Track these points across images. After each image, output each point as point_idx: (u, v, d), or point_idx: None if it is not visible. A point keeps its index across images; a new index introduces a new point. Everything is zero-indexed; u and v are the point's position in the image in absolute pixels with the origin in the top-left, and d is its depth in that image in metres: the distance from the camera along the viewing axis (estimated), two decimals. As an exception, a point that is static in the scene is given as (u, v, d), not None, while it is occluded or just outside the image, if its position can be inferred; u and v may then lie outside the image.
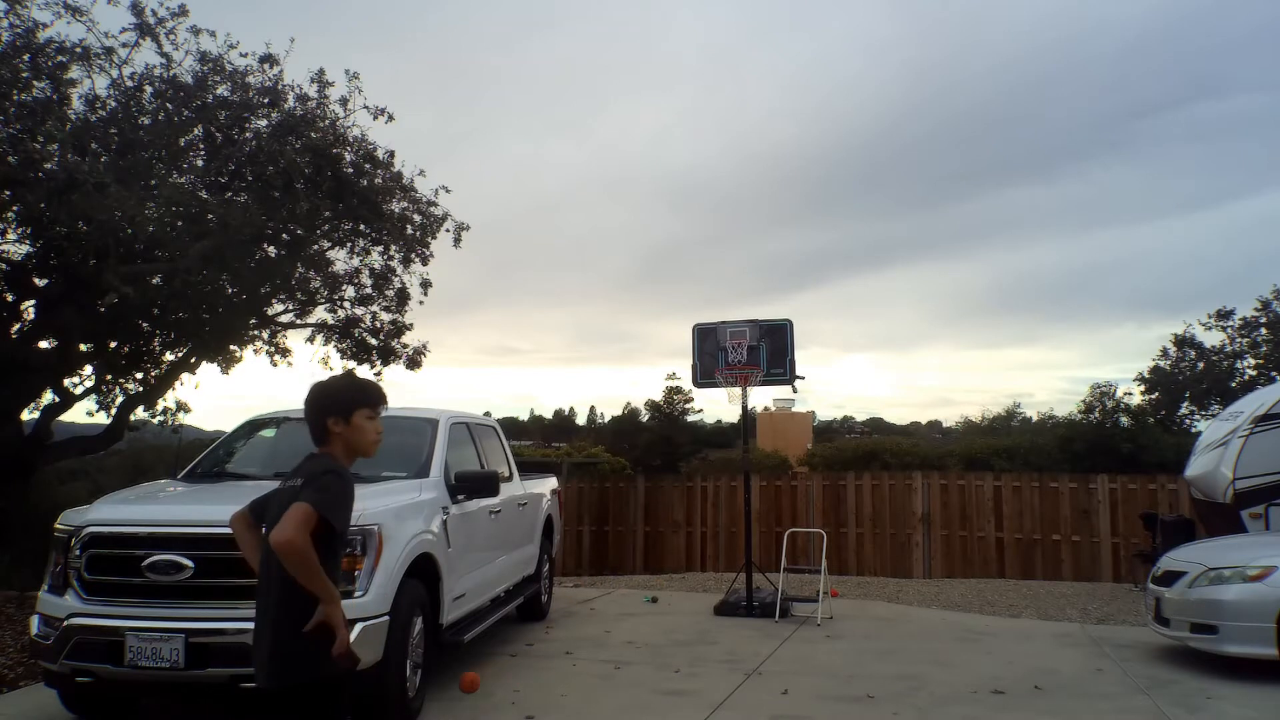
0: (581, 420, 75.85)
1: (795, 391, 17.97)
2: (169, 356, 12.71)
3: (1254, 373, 22.24)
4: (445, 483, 6.50)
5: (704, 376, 10.43)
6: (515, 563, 8.12)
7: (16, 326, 11.05)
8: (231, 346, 12.61)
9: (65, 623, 5.03)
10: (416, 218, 12.13)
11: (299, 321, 13.05)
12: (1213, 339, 23.42)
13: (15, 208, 9.57)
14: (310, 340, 12.89)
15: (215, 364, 12.65)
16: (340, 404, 3.00)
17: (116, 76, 10.08)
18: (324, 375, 13.18)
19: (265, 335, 12.97)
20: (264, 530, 2.95)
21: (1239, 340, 22.95)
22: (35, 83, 9.22)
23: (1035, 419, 36.22)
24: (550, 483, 9.88)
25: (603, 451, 31.01)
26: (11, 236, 10.49)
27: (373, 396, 3.08)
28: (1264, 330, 22.41)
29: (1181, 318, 61.95)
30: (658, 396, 45.99)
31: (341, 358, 12.93)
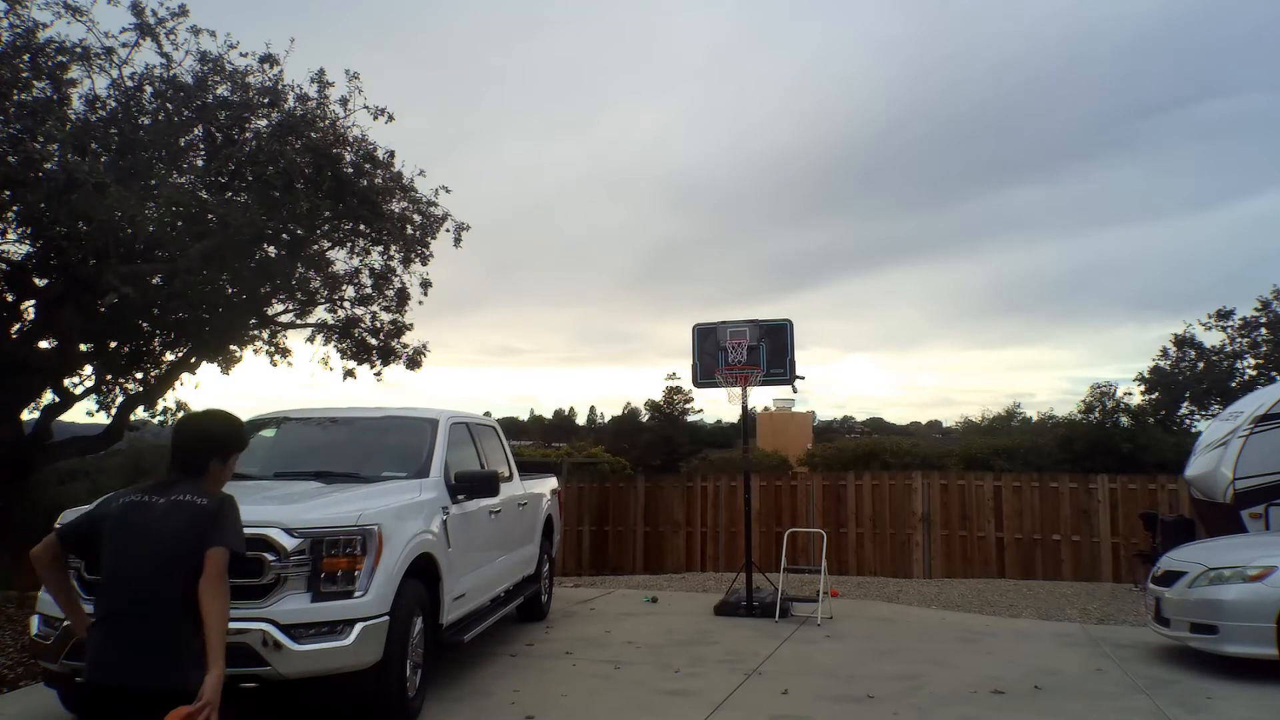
0: (581, 420, 75.91)
1: (795, 391, 17.98)
2: (169, 356, 12.70)
3: (1254, 373, 22.22)
4: (445, 483, 6.50)
5: (704, 376, 10.43)
6: (515, 563, 8.12)
7: (16, 326, 11.05)
8: (231, 346, 12.59)
9: (65, 623, 5.02)
10: (416, 218, 12.12)
11: (299, 321, 13.04)
12: (1213, 339, 23.43)
13: (15, 208, 9.57)
14: (310, 340, 12.88)
15: (215, 364, 12.64)
16: (223, 444, 3.15)
17: (116, 76, 10.07)
18: (330, 377, 13.19)
19: (265, 335, 12.96)
20: (123, 534, 2.97)
21: (1239, 340, 22.93)
22: (35, 83, 9.22)
23: (1035, 419, 36.22)
24: (550, 483, 9.88)
25: (603, 451, 30.98)
26: (11, 236, 10.48)
27: (245, 441, 3.30)
28: (1264, 330, 22.39)
29: (1182, 318, 61.91)
30: (658, 396, 46.00)
31: (341, 358, 12.91)
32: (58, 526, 3.19)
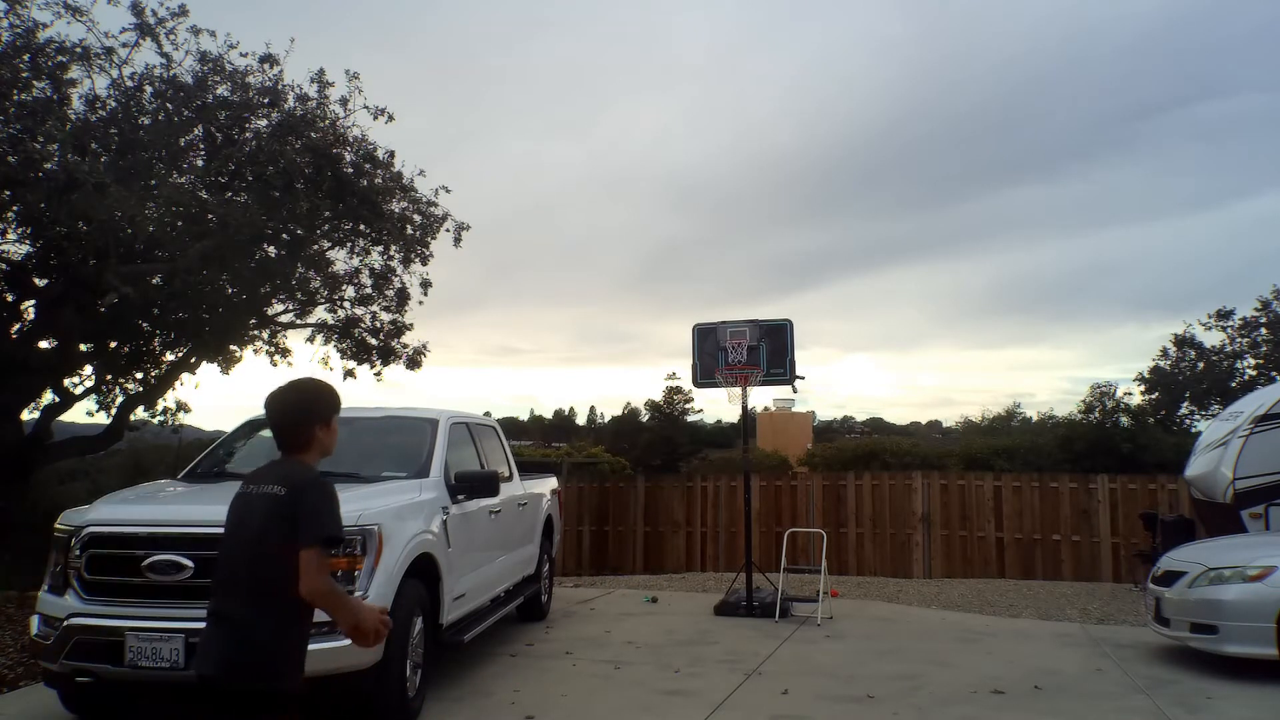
0: (581, 420, 75.88)
1: (795, 391, 17.99)
2: (169, 356, 12.72)
3: (1254, 373, 22.23)
4: (445, 483, 6.50)
5: (704, 376, 10.43)
6: (515, 563, 8.12)
7: (16, 326, 11.06)
8: (231, 346, 12.61)
9: (65, 623, 5.03)
10: (416, 218, 12.14)
11: (299, 321, 13.06)
12: (1213, 339, 23.44)
13: (15, 208, 9.58)
14: (310, 340, 12.91)
15: (215, 364, 12.66)
16: (325, 408, 3.00)
17: (116, 76, 10.09)
18: (330, 377, 13.22)
19: (265, 335, 12.98)
20: (231, 532, 2.90)
21: (1239, 340, 22.95)
22: (35, 83, 9.23)
23: (1035, 419, 36.21)
24: (550, 483, 9.88)
25: (603, 451, 30.97)
26: (11, 236, 10.50)
27: (339, 400, 3.09)
28: (1264, 330, 22.40)
29: (1182, 318, 61.96)
30: (658, 396, 46.00)
31: (341, 358, 12.94)
32: None
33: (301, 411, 2.95)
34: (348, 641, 4.91)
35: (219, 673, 2.74)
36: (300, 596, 2.71)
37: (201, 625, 4.92)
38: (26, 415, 11.66)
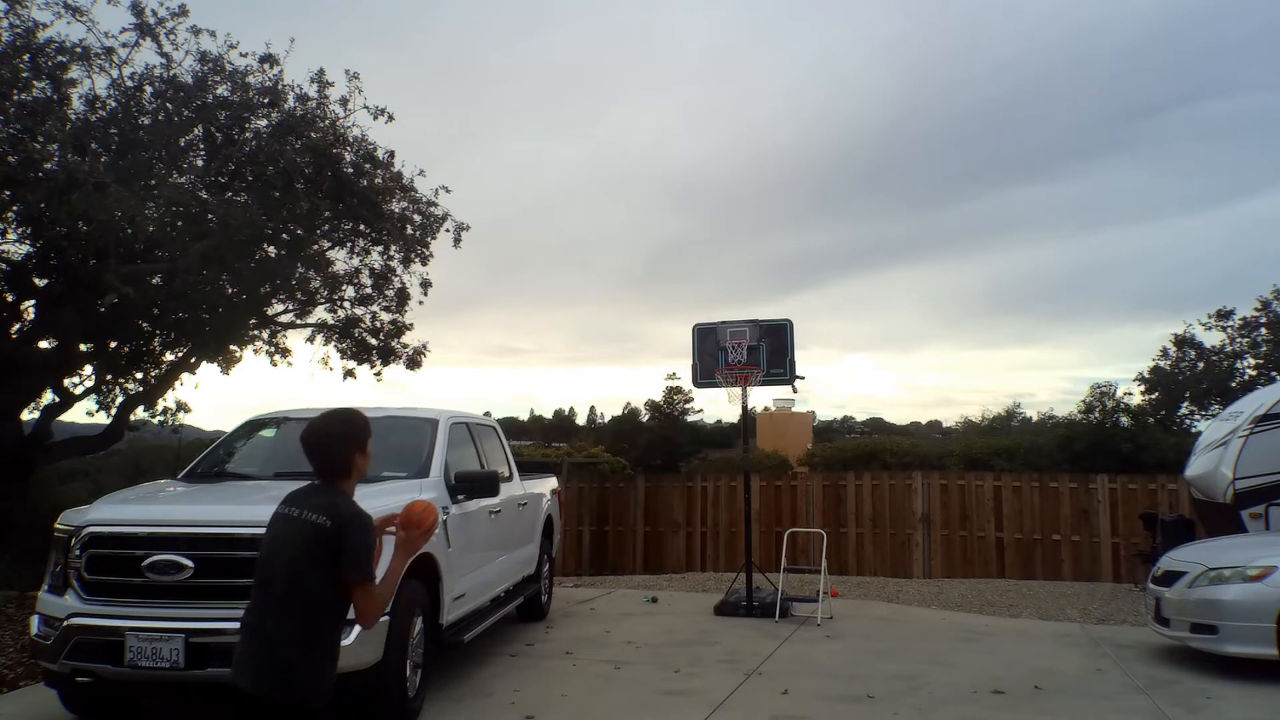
0: (581, 420, 75.77)
1: (795, 391, 17.97)
2: (169, 356, 12.72)
3: (1254, 373, 22.23)
4: (445, 483, 6.50)
5: (704, 376, 10.43)
6: (515, 563, 8.12)
7: (16, 326, 11.06)
8: (231, 346, 12.62)
9: (65, 623, 5.03)
10: (416, 218, 12.14)
11: (299, 321, 13.06)
12: (1213, 339, 23.44)
13: (15, 208, 9.58)
14: (310, 340, 12.91)
15: (215, 364, 12.66)
16: (362, 435, 3.12)
17: (116, 76, 10.09)
18: (330, 377, 13.21)
19: (265, 335, 12.98)
20: (271, 550, 2.99)
21: (1239, 340, 22.94)
22: (35, 83, 9.23)
23: (1035, 419, 36.28)
24: (550, 483, 9.88)
25: (603, 451, 30.96)
26: (11, 236, 10.50)
27: (370, 426, 3.20)
28: (1264, 330, 22.40)
29: (1182, 318, 61.85)
30: (658, 396, 46.00)
31: (341, 358, 12.94)
32: None
33: (340, 441, 3.06)
34: (347, 641, 4.92)
35: (253, 686, 2.84)
36: (331, 619, 2.93)
37: (202, 625, 4.94)
38: (26, 415, 11.68)
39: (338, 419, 3.12)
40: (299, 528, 2.92)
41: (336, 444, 3.05)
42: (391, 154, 11.66)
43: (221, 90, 10.55)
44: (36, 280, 10.82)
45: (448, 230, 12.42)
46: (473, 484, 6.73)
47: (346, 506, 2.96)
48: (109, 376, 12.38)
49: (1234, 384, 21.89)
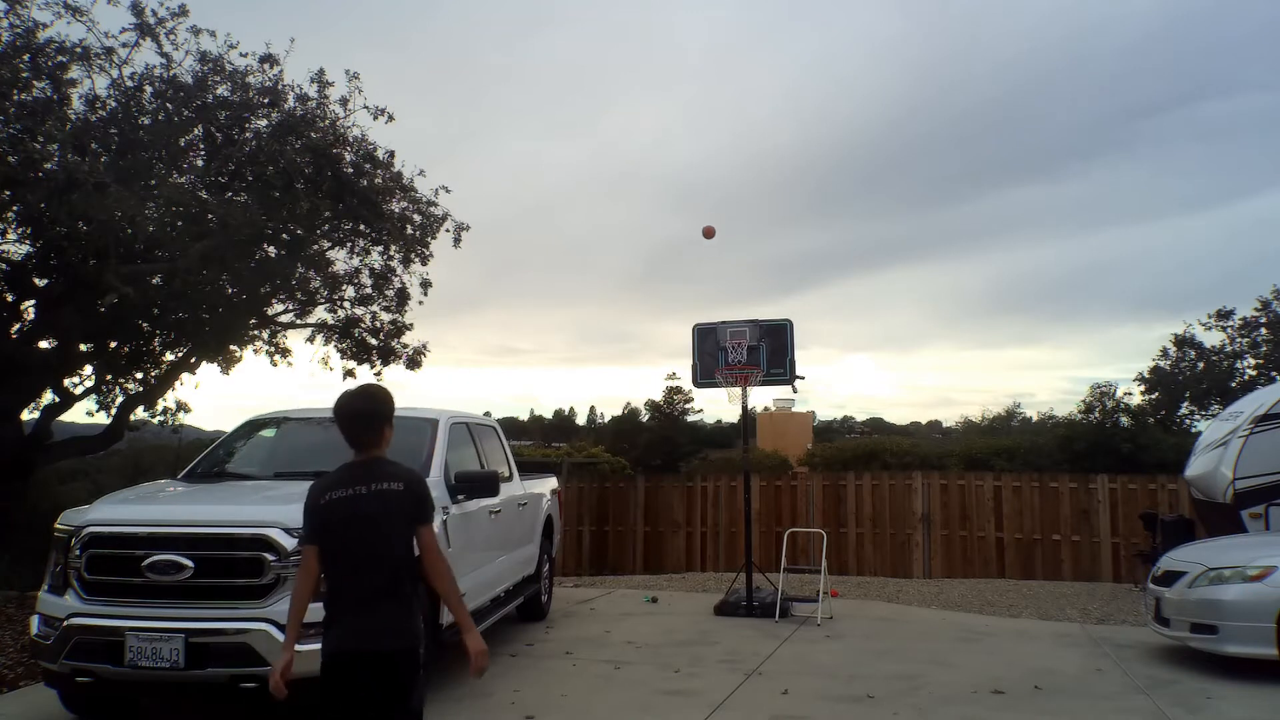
0: (581, 420, 75.71)
1: (795, 391, 17.93)
2: (169, 356, 12.72)
3: (1254, 373, 22.21)
4: (445, 483, 6.50)
5: (704, 376, 10.43)
6: (515, 563, 8.12)
7: (16, 326, 11.06)
8: (231, 346, 12.61)
9: (65, 623, 5.04)
10: (416, 218, 12.14)
11: (299, 321, 13.06)
12: (1213, 339, 23.41)
13: (15, 208, 9.58)
14: (310, 340, 12.91)
15: (215, 364, 12.66)
16: (390, 409, 3.37)
17: (116, 76, 10.09)
18: (330, 377, 13.22)
19: (265, 335, 12.98)
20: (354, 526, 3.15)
21: (1239, 340, 22.92)
22: (35, 83, 9.23)
23: (1035, 419, 36.25)
24: (550, 483, 9.88)
25: (603, 451, 30.95)
26: (11, 236, 10.50)
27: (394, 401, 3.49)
28: (1264, 330, 22.38)
29: (1182, 318, 61.74)
30: (658, 396, 45.98)
31: (341, 358, 12.94)
32: (303, 534, 3.32)
33: (376, 415, 3.30)
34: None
35: (396, 643, 3.11)
36: (415, 573, 3.23)
37: (202, 625, 4.93)
38: (26, 415, 11.67)
39: (370, 394, 3.39)
40: (377, 498, 3.15)
41: (375, 418, 3.28)
42: (391, 154, 11.67)
43: (221, 90, 10.55)
44: (36, 280, 10.82)
45: (448, 230, 12.43)
46: (473, 484, 6.74)
47: (405, 469, 3.31)
48: (109, 376, 12.38)
49: (1234, 384, 21.87)
